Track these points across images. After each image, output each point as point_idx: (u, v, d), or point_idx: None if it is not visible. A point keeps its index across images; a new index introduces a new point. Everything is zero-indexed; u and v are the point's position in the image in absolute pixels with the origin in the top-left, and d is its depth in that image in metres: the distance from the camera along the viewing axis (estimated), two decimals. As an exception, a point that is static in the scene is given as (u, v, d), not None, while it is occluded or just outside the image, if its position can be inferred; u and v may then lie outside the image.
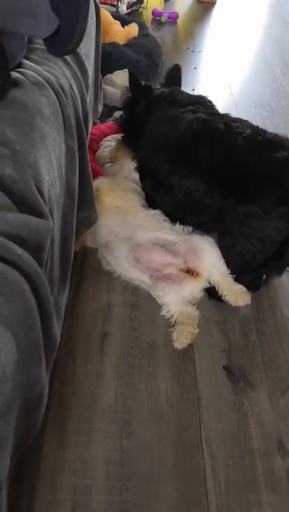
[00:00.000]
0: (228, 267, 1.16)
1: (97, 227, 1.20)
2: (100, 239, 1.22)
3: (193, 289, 1.16)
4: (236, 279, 1.16)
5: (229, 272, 1.16)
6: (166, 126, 1.25)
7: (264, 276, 1.18)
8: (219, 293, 1.16)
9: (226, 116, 1.25)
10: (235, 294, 1.14)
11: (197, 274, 1.15)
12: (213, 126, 1.17)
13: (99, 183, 1.27)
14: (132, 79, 1.40)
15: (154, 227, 1.21)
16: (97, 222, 1.19)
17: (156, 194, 1.29)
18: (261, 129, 1.18)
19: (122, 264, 1.18)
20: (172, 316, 1.12)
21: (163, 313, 1.13)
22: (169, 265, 1.17)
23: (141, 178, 1.35)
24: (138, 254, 1.16)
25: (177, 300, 1.13)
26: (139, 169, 1.35)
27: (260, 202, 1.07)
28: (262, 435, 0.95)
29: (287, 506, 0.86)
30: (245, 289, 1.15)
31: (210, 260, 1.16)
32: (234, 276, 1.16)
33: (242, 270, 1.16)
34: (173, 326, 1.11)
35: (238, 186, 1.11)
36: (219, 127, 1.16)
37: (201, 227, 1.22)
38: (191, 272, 1.16)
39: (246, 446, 0.93)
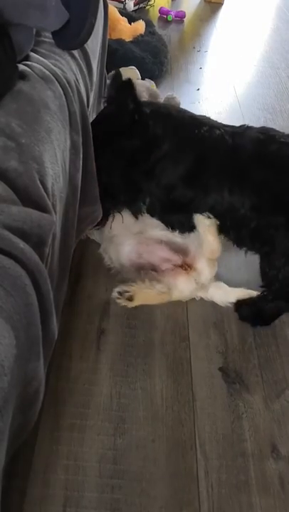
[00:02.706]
0: (271, 286, 1.12)
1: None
2: (110, 232, 1.22)
3: (183, 286, 1.15)
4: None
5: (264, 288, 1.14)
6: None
7: None
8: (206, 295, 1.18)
9: (245, 127, 1.15)
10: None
11: (190, 267, 1.15)
12: (250, 135, 1.09)
13: None
14: None
15: (164, 227, 1.21)
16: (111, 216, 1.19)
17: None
18: None
19: (122, 260, 1.18)
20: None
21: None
22: (167, 261, 1.17)
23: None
24: (143, 248, 1.17)
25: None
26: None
27: None
28: (256, 438, 0.95)
29: (278, 509, 0.86)
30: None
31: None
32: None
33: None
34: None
35: None
36: (259, 137, 1.08)
37: (239, 242, 1.17)
38: (184, 267, 1.16)
39: (240, 448, 0.93)
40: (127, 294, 1.09)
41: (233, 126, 1.14)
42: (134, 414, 0.96)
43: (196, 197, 1.11)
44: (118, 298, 1.10)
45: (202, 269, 1.15)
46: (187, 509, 0.84)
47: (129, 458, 0.90)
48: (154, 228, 1.20)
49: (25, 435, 0.74)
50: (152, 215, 1.20)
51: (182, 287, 1.15)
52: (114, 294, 1.10)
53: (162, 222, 1.20)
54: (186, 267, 1.16)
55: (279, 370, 1.07)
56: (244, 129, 1.12)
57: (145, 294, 1.11)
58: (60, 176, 0.86)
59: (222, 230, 1.13)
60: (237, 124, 1.15)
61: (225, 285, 1.20)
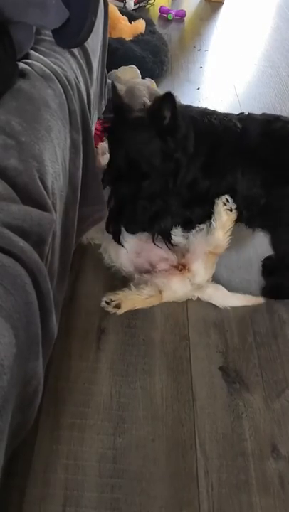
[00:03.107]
0: (284, 260, 1.16)
1: None
2: None
3: (176, 286, 1.14)
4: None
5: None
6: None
7: None
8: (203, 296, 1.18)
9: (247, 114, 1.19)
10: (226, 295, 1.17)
11: (184, 268, 1.15)
12: (256, 118, 1.13)
13: None
14: None
15: None
16: None
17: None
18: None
19: (121, 259, 1.17)
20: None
21: None
22: (165, 260, 1.16)
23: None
24: (142, 245, 1.16)
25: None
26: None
27: None
28: (256, 437, 0.95)
29: (278, 509, 0.86)
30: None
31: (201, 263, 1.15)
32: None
33: None
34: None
35: None
36: (267, 118, 1.13)
37: (251, 221, 1.18)
38: (179, 267, 1.16)
39: (240, 447, 0.93)
40: (113, 302, 1.09)
41: (233, 114, 1.16)
42: (134, 414, 0.96)
43: (213, 184, 1.12)
44: (106, 307, 1.10)
45: (197, 270, 1.14)
46: (187, 509, 0.84)
47: (129, 457, 0.89)
48: None
49: (24, 434, 0.74)
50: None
51: (175, 288, 1.14)
52: (103, 303, 1.10)
53: (180, 218, 1.20)
54: (181, 267, 1.16)
55: (279, 369, 1.07)
56: (247, 115, 1.15)
57: (132, 300, 1.11)
58: (60, 174, 0.86)
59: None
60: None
61: (223, 288, 1.19)
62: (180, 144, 1.04)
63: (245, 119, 1.13)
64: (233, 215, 1.10)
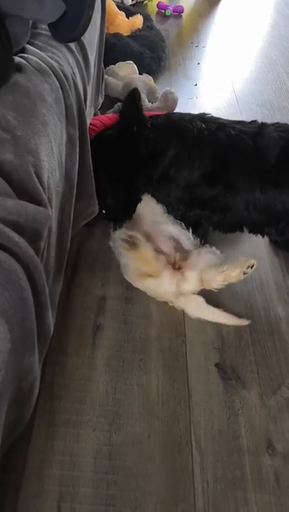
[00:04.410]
0: None
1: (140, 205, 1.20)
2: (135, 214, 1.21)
3: (165, 280, 1.10)
4: None
5: None
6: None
7: None
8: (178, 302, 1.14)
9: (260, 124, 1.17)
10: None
11: (179, 269, 1.12)
12: (271, 135, 1.11)
13: None
14: None
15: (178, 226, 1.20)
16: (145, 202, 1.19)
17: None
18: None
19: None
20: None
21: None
22: (164, 254, 1.15)
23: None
24: (153, 233, 1.16)
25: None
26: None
27: None
28: (251, 434, 0.95)
29: (273, 505, 0.86)
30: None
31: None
32: None
33: None
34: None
35: None
36: (281, 135, 1.11)
37: (278, 234, 1.18)
38: (176, 266, 1.13)
39: (235, 444, 0.93)
40: (136, 239, 1.04)
41: (242, 122, 1.15)
42: (130, 410, 0.96)
43: (220, 195, 1.12)
44: (124, 240, 1.06)
45: (189, 279, 1.09)
46: (182, 505, 0.84)
47: (125, 454, 0.89)
48: (174, 224, 1.18)
49: (20, 430, 0.74)
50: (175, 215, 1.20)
51: (163, 282, 1.10)
52: (119, 235, 1.08)
53: (183, 219, 1.20)
54: (177, 267, 1.12)
55: (275, 366, 1.07)
56: (260, 127, 1.12)
57: (146, 253, 1.06)
58: (56, 169, 0.85)
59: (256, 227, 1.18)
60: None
61: (202, 300, 1.13)
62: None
63: (258, 133, 1.10)
64: (242, 278, 1.07)
